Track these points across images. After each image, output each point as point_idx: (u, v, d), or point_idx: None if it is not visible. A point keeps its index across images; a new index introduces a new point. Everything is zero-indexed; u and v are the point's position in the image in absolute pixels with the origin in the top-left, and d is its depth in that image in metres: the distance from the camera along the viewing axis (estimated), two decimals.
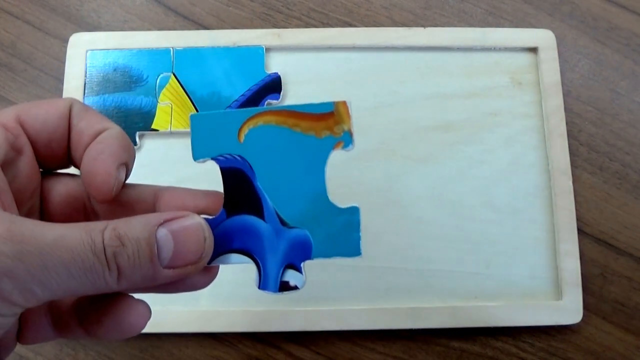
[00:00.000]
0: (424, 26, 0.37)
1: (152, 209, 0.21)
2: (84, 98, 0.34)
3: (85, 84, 0.34)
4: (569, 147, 0.35)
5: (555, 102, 0.35)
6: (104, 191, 0.19)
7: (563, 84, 0.36)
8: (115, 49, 0.35)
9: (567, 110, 0.36)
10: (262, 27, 0.37)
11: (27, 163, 0.19)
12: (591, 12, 0.38)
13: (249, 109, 0.19)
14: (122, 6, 0.37)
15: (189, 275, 0.19)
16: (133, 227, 0.17)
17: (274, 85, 0.34)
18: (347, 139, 0.20)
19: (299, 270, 0.20)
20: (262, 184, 0.20)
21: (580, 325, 0.33)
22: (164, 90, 0.34)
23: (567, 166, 0.34)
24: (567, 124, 0.35)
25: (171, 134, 0.34)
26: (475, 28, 0.37)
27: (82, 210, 0.20)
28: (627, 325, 0.33)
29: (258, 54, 0.35)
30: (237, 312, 0.32)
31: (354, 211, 0.20)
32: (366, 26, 0.37)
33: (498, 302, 0.33)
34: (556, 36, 0.36)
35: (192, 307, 0.32)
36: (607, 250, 0.34)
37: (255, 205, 0.20)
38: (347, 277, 0.33)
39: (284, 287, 0.20)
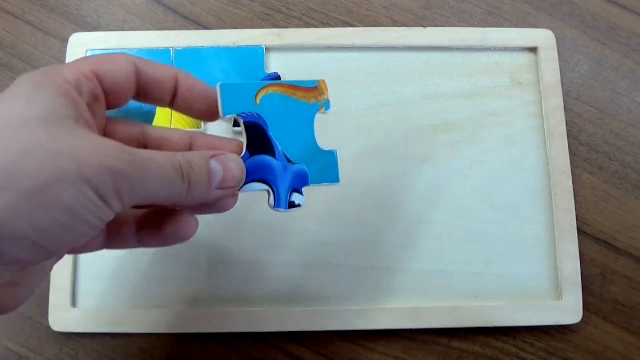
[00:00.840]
0: (424, 26, 0.37)
1: (189, 148, 0.27)
2: None
3: None
4: (569, 147, 0.35)
5: (555, 102, 0.35)
6: (215, 109, 0.26)
7: (563, 84, 0.36)
8: (115, 49, 0.35)
9: (567, 110, 0.36)
10: (262, 27, 0.37)
11: (102, 108, 0.24)
12: (591, 12, 0.38)
13: (261, 82, 0.28)
14: (122, 6, 0.37)
15: (228, 196, 0.25)
16: (195, 157, 0.23)
17: None
18: (327, 105, 0.28)
19: (301, 193, 0.28)
20: (273, 133, 0.27)
21: (580, 325, 0.33)
22: None
23: (567, 166, 0.34)
24: (567, 124, 0.35)
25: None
26: (475, 28, 0.37)
27: (137, 147, 0.24)
28: (627, 325, 0.33)
29: (258, 54, 0.35)
30: (237, 312, 0.32)
31: (333, 153, 0.28)
32: (366, 26, 0.37)
33: (498, 302, 0.33)
34: (556, 36, 0.36)
35: (192, 307, 0.32)
36: (607, 250, 0.34)
37: (269, 148, 0.27)
38: (347, 277, 0.33)
39: (292, 205, 0.27)
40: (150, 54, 0.35)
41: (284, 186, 0.27)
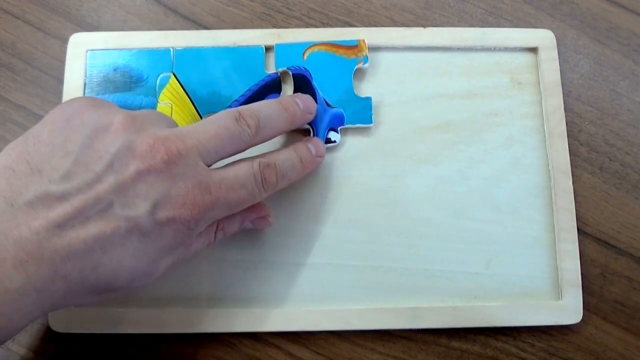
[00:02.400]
0: (424, 26, 0.37)
1: None
2: None
3: (85, 84, 0.34)
4: (569, 147, 0.35)
5: (555, 102, 0.35)
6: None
7: (563, 84, 0.36)
8: (115, 49, 0.35)
9: (567, 110, 0.36)
10: (262, 27, 0.37)
11: None
12: (591, 12, 0.38)
13: (308, 42, 0.35)
14: (122, 6, 0.37)
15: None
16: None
17: (273, 85, 0.34)
18: (365, 60, 0.35)
19: (337, 132, 0.34)
20: (317, 82, 0.34)
21: (580, 325, 0.33)
22: (164, 90, 0.34)
23: (567, 166, 0.34)
24: (567, 124, 0.35)
25: None
26: (475, 28, 0.37)
27: None
28: (627, 325, 0.33)
29: (258, 54, 0.35)
30: (237, 312, 0.32)
31: (369, 99, 0.34)
32: (366, 26, 0.37)
33: (498, 302, 0.33)
34: (556, 36, 0.36)
35: (192, 307, 0.32)
36: (607, 250, 0.34)
37: (312, 94, 0.33)
38: (347, 277, 0.33)
39: (328, 141, 0.33)
40: (150, 54, 0.35)
41: (322, 125, 0.33)
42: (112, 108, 0.26)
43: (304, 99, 0.32)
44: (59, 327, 0.31)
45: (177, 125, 0.28)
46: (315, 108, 0.32)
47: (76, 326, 0.31)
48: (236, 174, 0.27)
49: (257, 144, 0.28)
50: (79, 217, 0.22)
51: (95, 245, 0.23)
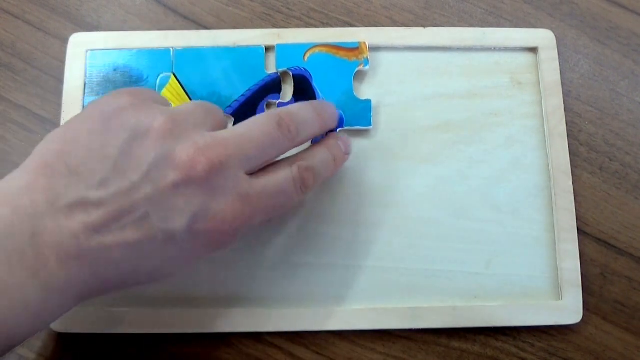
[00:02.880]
0: (424, 26, 0.37)
1: None
2: (84, 98, 0.34)
3: (85, 84, 0.34)
4: (569, 147, 0.35)
5: (555, 102, 0.35)
6: None
7: (563, 84, 0.36)
8: (115, 49, 0.35)
9: (567, 110, 0.36)
10: (262, 27, 0.37)
11: None
12: (591, 12, 0.38)
13: (309, 43, 0.35)
14: (122, 6, 0.37)
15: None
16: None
17: (273, 85, 0.34)
18: (365, 62, 0.35)
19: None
20: (317, 84, 0.34)
21: (580, 325, 0.33)
22: (164, 90, 0.34)
23: (567, 166, 0.34)
24: (567, 124, 0.35)
25: None
26: (475, 28, 0.37)
27: None
28: (627, 325, 0.33)
29: (258, 54, 0.35)
30: (237, 312, 0.32)
31: (368, 102, 0.34)
32: (366, 26, 0.37)
33: (498, 302, 0.33)
34: (556, 36, 0.36)
35: (192, 307, 0.32)
36: (607, 250, 0.34)
37: (311, 96, 0.34)
38: (347, 277, 0.33)
39: None
40: (150, 54, 0.35)
41: None
42: (152, 108, 0.25)
43: (331, 106, 0.32)
44: (59, 327, 0.31)
45: (223, 118, 0.27)
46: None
47: (76, 326, 0.31)
48: (277, 180, 0.26)
49: (291, 150, 0.28)
50: (115, 224, 0.22)
51: (133, 253, 0.23)
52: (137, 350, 0.32)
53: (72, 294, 0.23)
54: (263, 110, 0.34)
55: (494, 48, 0.36)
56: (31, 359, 0.32)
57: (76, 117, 0.25)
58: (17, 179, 0.23)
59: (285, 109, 0.28)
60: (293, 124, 0.27)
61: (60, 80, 0.35)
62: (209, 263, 0.33)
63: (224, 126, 0.28)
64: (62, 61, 0.35)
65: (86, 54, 0.35)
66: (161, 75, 0.34)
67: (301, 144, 0.29)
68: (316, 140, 0.32)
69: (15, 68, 0.36)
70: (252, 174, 0.26)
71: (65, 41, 0.35)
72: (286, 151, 0.27)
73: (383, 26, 0.37)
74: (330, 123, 0.31)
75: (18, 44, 0.37)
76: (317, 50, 0.34)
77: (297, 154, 0.29)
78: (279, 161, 0.28)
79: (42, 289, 0.21)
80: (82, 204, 0.22)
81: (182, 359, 0.32)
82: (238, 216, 0.24)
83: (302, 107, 0.29)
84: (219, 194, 0.24)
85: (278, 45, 0.34)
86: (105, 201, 0.22)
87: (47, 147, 0.24)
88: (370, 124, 0.34)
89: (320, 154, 0.29)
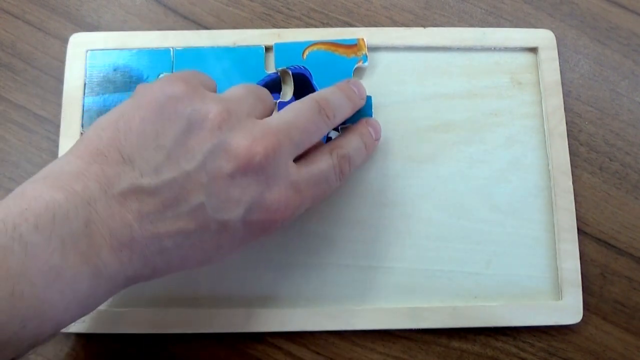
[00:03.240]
0: (424, 26, 0.37)
1: None
2: (84, 98, 0.34)
3: (85, 84, 0.34)
4: (569, 147, 0.35)
5: (555, 102, 0.35)
6: None
7: (563, 84, 0.36)
8: (115, 49, 0.35)
9: (567, 110, 0.36)
10: (262, 27, 0.37)
11: None
12: (591, 12, 0.38)
13: (308, 41, 0.35)
14: (122, 6, 0.37)
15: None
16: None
17: (273, 85, 0.34)
18: (364, 59, 0.35)
19: (337, 130, 0.33)
20: (316, 81, 0.34)
21: (580, 325, 0.33)
22: None
23: (567, 166, 0.34)
24: (567, 124, 0.35)
25: None
26: (475, 28, 0.37)
27: None
28: (627, 325, 0.33)
29: (258, 54, 0.35)
30: (237, 312, 0.32)
31: (369, 98, 0.34)
32: (366, 26, 0.37)
33: (498, 302, 0.33)
34: (556, 36, 0.36)
35: (192, 307, 0.32)
36: (607, 250, 0.34)
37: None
38: (347, 277, 0.33)
39: (328, 140, 0.32)
40: (150, 54, 0.35)
41: None
42: (207, 97, 0.25)
43: (358, 84, 0.32)
44: None
45: (272, 103, 0.28)
46: (365, 93, 0.32)
47: (76, 326, 0.31)
48: (320, 168, 0.27)
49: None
50: (169, 213, 0.23)
51: (185, 242, 0.23)
52: (137, 350, 0.32)
53: (121, 280, 0.23)
54: None
55: (494, 48, 0.36)
56: (31, 359, 0.32)
57: (128, 103, 0.25)
58: (70, 163, 0.23)
59: (319, 95, 0.28)
60: (330, 109, 0.28)
61: (60, 80, 0.35)
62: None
63: (272, 111, 0.28)
64: (62, 61, 0.35)
65: (86, 54, 0.35)
66: (161, 75, 0.34)
67: (335, 127, 0.29)
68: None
69: (15, 68, 0.36)
70: (296, 161, 0.26)
71: (65, 41, 0.35)
72: (324, 135, 0.28)
73: (383, 26, 0.37)
74: (359, 103, 0.31)
75: (18, 44, 0.37)
76: (315, 47, 0.34)
77: (332, 141, 0.29)
78: (318, 149, 0.28)
79: (93, 275, 0.21)
80: (135, 192, 0.22)
81: (182, 359, 0.32)
82: (290, 205, 0.25)
83: (334, 92, 0.30)
84: (273, 183, 0.24)
85: (276, 44, 0.34)
86: (159, 190, 0.22)
87: (98, 133, 0.24)
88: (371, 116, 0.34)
89: (354, 142, 0.30)
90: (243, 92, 0.27)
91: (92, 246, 0.21)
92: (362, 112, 0.34)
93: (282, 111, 0.27)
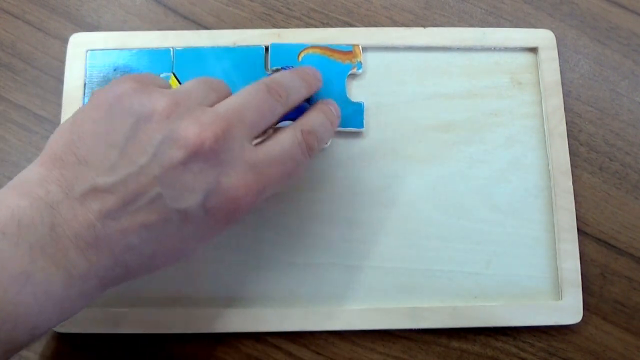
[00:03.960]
0: (424, 26, 0.37)
1: None
2: (84, 98, 0.34)
3: (85, 84, 0.34)
4: (569, 147, 0.35)
5: (555, 102, 0.35)
6: None
7: (563, 84, 0.36)
8: (115, 49, 0.35)
9: (567, 110, 0.36)
10: (262, 27, 0.37)
11: None
12: (591, 12, 0.38)
13: (304, 44, 0.35)
14: (122, 6, 0.37)
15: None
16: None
17: None
18: (358, 66, 0.35)
19: None
20: None
21: (580, 325, 0.33)
22: None
23: (567, 166, 0.34)
24: (567, 124, 0.35)
25: None
26: (475, 28, 0.37)
27: None
28: (627, 325, 0.33)
29: (258, 54, 0.35)
30: (237, 312, 0.32)
31: (361, 104, 0.34)
32: (366, 26, 0.37)
33: (498, 302, 0.33)
34: (556, 36, 0.36)
35: (192, 307, 0.32)
36: (607, 250, 0.34)
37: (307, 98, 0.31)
38: (347, 277, 0.33)
39: None
40: (150, 54, 0.35)
41: None
42: (154, 92, 0.25)
43: (312, 68, 0.32)
44: (59, 327, 0.31)
45: (225, 90, 0.27)
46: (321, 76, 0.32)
47: (76, 326, 0.31)
48: (282, 147, 0.26)
49: (283, 116, 0.28)
50: (129, 208, 0.23)
51: (150, 236, 0.23)
52: (137, 350, 0.32)
53: (95, 282, 0.23)
54: None
55: (494, 48, 0.36)
56: (31, 359, 0.32)
57: (82, 107, 0.26)
58: (32, 171, 0.24)
59: (269, 78, 0.28)
60: (281, 88, 0.27)
61: (60, 80, 0.35)
62: (209, 263, 0.33)
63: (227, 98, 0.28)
64: (62, 61, 0.35)
65: (86, 54, 0.35)
66: (161, 76, 0.34)
67: (292, 107, 0.29)
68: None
69: (15, 68, 0.36)
70: (257, 144, 0.26)
71: (65, 41, 0.35)
72: (281, 116, 0.28)
73: (383, 26, 0.37)
74: (315, 84, 0.31)
75: (18, 44, 0.37)
76: (311, 51, 0.34)
77: (296, 121, 0.29)
78: (280, 128, 0.28)
79: (64, 277, 0.22)
80: (94, 192, 0.23)
81: (182, 359, 0.32)
82: (251, 188, 0.25)
83: (285, 74, 0.29)
84: (228, 167, 0.24)
85: (272, 44, 0.34)
86: (116, 187, 0.23)
87: (56, 139, 0.24)
88: (362, 126, 0.34)
89: (318, 118, 0.30)
90: (193, 83, 0.27)
91: (59, 249, 0.22)
92: (352, 120, 0.34)
93: (231, 96, 0.27)
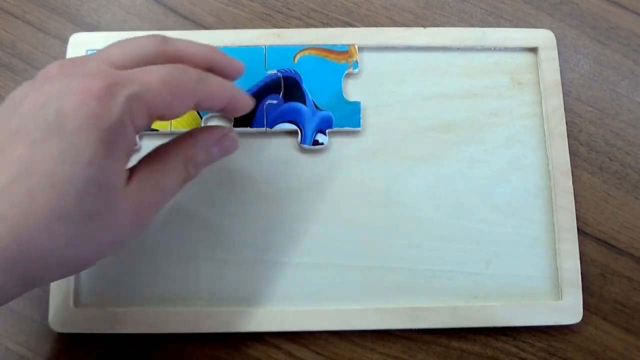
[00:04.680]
0: (424, 26, 0.37)
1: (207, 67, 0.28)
2: None
3: None
4: (569, 147, 0.35)
5: (555, 102, 0.35)
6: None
7: (563, 84, 0.36)
8: None
9: (567, 110, 0.36)
10: (262, 27, 0.37)
11: None
12: (591, 12, 0.38)
13: (300, 46, 0.35)
14: (122, 6, 0.37)
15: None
16: (200, 154, 0.27)
17: (274, 85, 0.34)
18: (355, 65, 0.35)
19: (324, 134, 0.34)
20: (306, 85, 0.34)
21: (580, 325, 0.33)
22: None
23: (567, 166, 0.34)
24: (567, 124, 0.35)
25: (171, 134, 0.34)
26: (475, 28, 0.37)
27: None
28: (627, 325, 0.33)
29: (258, 54, 0.35)
30: (237, 312, 0.32)
31: (357, 104, 0.34)
32: (366, 26, 0.37)
33: (498, 302, 0.33)
34: (556, 36, 0.36)
35: (192, 307, 0.32)
36: (607, 250, 0.34)
37: (301, 97, 0.34)
38: (347, 277, 0.33)
39: (315, 143, 0.34)
40: None
41: (310, 127, 0.34)
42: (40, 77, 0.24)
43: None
44: (59, 327, 0.31)
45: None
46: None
47: (76, 326, 0.31)
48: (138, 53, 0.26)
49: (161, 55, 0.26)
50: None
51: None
52: (137, 350, 0.32)
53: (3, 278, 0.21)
54: (264, 111, 0.34)
55: (494, 48, 0.36)
56: (31, 359, 0.32)
57: None
58: None
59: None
60: (171, 40, 0.26)
61: None
62: (209, 263, 0.33)
63: None
64: None
65: (86, 54, 0.35)
66: None
67: (176, 59, 0.26)
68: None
69: (15, 68, 0.36)
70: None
71: (65, 41, 0.35)
72: (155, 52, 0.26)
73: (383, 26, 0.37)
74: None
75: (18, 44, 0.37)
76: (306, 52, 0.35)
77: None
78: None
79: None
80: None
81: (181, 359, 0.32)
82: (103, 74, 0.24)
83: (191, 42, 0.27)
84: (79, 74, 0.23)
85: (268, 47, 0.35)
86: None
87: None
88: (359, 126, 0.34)
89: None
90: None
91: None
92: (349, 119, 0.34)
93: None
